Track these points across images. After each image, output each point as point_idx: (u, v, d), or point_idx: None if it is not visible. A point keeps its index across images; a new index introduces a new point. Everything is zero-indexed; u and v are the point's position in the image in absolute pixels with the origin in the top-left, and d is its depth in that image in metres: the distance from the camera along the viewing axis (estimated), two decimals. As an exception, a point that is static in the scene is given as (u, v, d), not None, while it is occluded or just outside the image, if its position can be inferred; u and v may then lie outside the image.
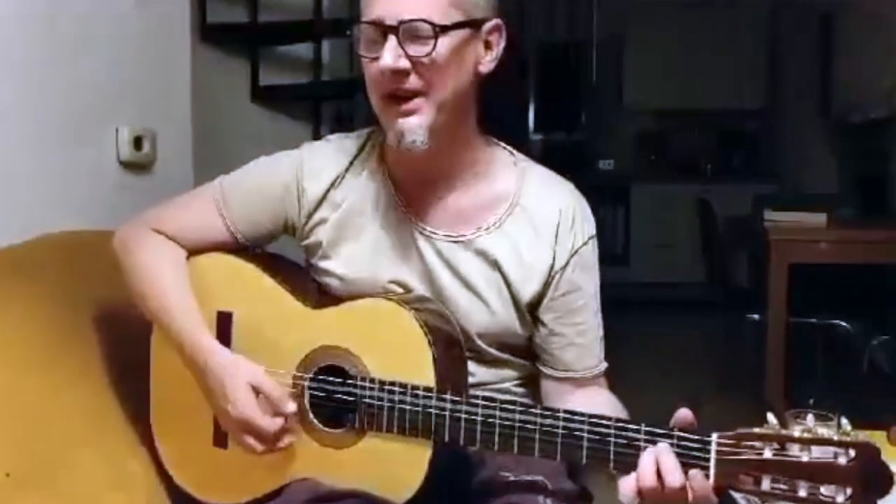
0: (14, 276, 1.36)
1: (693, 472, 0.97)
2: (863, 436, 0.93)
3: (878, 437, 1.55)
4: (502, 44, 1.19)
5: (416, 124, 1.13)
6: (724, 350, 4.70)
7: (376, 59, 1.11)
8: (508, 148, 1.30)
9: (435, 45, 1.10)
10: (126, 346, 1.37)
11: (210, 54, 3.00)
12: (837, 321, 3.36)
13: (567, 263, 1.23)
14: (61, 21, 1.66)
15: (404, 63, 1.10)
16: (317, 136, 3.28)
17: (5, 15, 1.51)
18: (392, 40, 1.10)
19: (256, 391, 1.18)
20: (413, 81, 1.12)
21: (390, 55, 1.10)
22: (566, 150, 4.91)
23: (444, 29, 1.10)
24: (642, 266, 6.22)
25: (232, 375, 1.19)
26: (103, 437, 1.32)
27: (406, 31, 1.10)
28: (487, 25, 1.17)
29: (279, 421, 1.17)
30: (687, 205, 4.74)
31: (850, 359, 3.47)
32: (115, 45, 1.83)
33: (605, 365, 1.29)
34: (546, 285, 1.23)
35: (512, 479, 1.19)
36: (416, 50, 1.10)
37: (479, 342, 1.24)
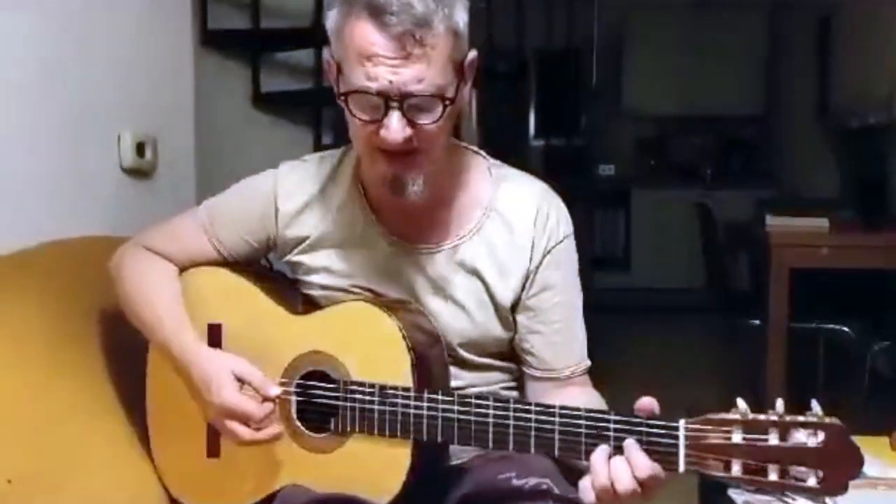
0: (17, 281, 1.36)
1: (628, 441, 0.98)
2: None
3: (880, 443, 1.55)
4: (474, 71, 1.17)
5: (413, 173, 1.13)
6: (724, 355, 4.69)
7: (371, 121, 1.09)
8: (481, 153, 1.30)
9: (442, 114, 1.09)
10: (130, 351, 1.38)
11: (211, 60, 3.00)
12: (839, 326, 3.36)
13: (541, 263, 1.24)
14: (64, 28, 1.66)
15: (408, 132, 1.08)
16: (318, 142, 3.29)
17: (8, 24, 1.51)
18: (397, 114, 1.06)
19: (240, 380, 1.20)
20: (413, 143, 1.10)
21: (398, 129, 1.07)
22: (566, 156, 4.91)
23: (452, 101, 1.09)
24: (642, 271, 6.23)
25: (215, 366, 1.22)
26: (106, 443, 1.33)
27: (411, 104, 1.07)
28: (467, 61, 1.14)
29: (266, 406, 1.18)
30: (687, 210, 4.74)
31: (851, 364, 3.47)
32: (116, 51, 1.83)
33: (587, 363, 1.30)
34: (522, 285, 1.24)
35: (515, 484, 1.20)
36: (421, 118, 1.08)
37: (461, 351, 1.26)
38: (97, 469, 1.29)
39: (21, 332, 1.30)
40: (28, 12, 1.56)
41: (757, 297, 3.52)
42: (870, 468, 1.45)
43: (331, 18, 1.11)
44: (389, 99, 1.06)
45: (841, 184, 5.04)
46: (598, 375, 1.34)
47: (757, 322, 3.45)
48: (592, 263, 4.57)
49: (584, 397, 1.25)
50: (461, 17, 1.10)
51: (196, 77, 2.15)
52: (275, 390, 1.19)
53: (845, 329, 3.35)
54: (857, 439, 1.53)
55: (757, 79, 6.35)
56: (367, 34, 1.05)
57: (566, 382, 1.28)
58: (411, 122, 1.08)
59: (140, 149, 1.89)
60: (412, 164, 1.12)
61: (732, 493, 1.37)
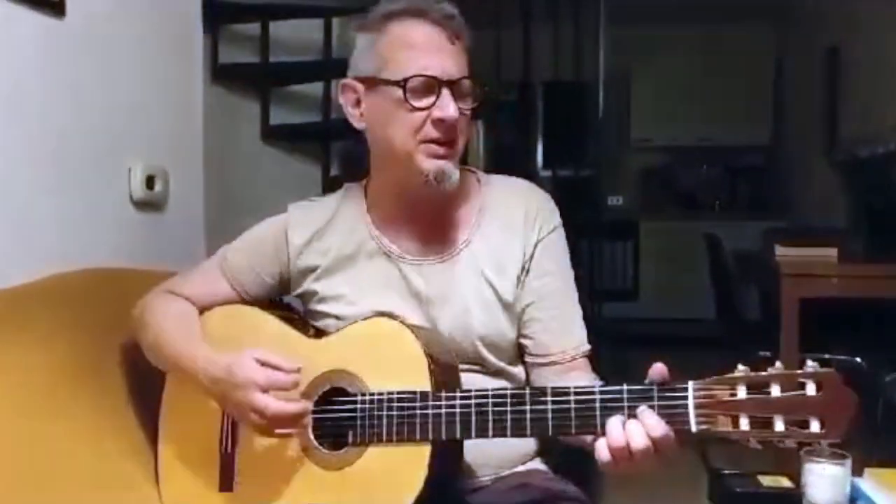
0: (27, 313, 1.37)
1: (641, 408, 1.04)
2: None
3: (892, 475, 1.52)
4: None
5: (452, 163, 1.26)
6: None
7: (425, 108, 1.23)
8: (470, 168, 1.43)
9: (477, 99, 1.26)
10: (139, 383, 1.38)
11: (221, 94, 3.04)
12: (850, 357, 3.33)
13: (534, 253, 1.34)
14: (75, 62, 1.68)
15: (458, 112, 1.24)
16: (326, 174, 3.32)
17: (20, 59, 1.54)
18: (448, 94, 1.23)
19: (262, 364, 1.21)
20: (457, 129, 1.25)
21: (453, 107, 1.23)
22: (574, 187, 4.92)
23: (483, 85, 1.27)
24: (651, 302, 6.21)
25: (234, 358, 1.22)
26: (112, 476, 1.31)
27: (457, 87, 1.24)
28: None
29: (291, 377, 1.20)
30: (696, 240, 4.74)
31: (864, 395, 3.43)
32: (127, 85, 1.85)
33: (587, 347, 1.36)
34: (518, 275, 1.33)
35: None
36: (462, 103, 1.25)
37: (485, 352, 1.32)
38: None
39: (29, 364, 1.30)
40: (39, 47, 1.58)
41: (767, 328, 3.50)
42: (884, 502, 1.43)
43: (362, 38, 1.28)
44: (442, 83, 1.22)
45: (850, 213, 5.03)
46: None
47: (767, 353, 3.42)
48: (600, 294, 4.55)
49: (584, 380, 1.29)
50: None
51: (206, 110, 2.17)
52: (295, 365, 1.21)
53: (857, 359, 3.32)
54: (871, 471, 1.52)
55: (765, 108, 6.37)
56: (413, 27, 1.24)
57: (568, 367, 1.34)
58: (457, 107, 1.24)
59: (150, 182, 1.90)
60: (453, 154, 1.27)
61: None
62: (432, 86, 1.22)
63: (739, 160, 6.62)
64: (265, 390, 1.18)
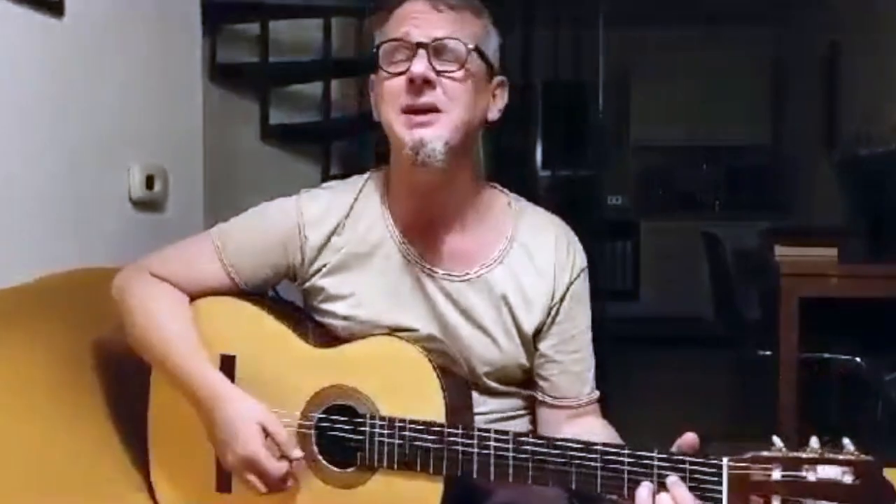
0: (25, 314, 1.36)
1: (672, 479, 1.01)
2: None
3: (894, 475, 1.52)
4: (505, 99, 1.28)
5: (434, 135, 1.16)
6: (734, 386, 4.66)
7: (400, 73, 1.17)
8: (500, 188, 1.36)
9: (465, 62, 1.17)
10: (136, 385, 1.37)
11: (221, 94, 3.04)
12: (850, 357, 3.33)
13: (564, 296, 1.29)
14: (74, 62, 1.68)
15: (432, 74, 1.16)
16: (326, 174, 3.31)
17: (18, 58, 1.54)
18: (422, 53, 1.16)
19: (265, 432, 1.19)
20: (436, 95, 1.17)
21: (422, 64, 1.15)
22: (574, 187, 4.92)
23: (473, 50, 1.19)
24: (651, 301, 6.21)
25: (242, 413, 1.20)
26: (105, 482, 1.30)
27: (436, 48, 1.17)
28: (497, 78, 1.25)
29: (284, 465, 1.19)
30: (695, 239, 4.75)
31: (864, 395, 3.43)
32: (126, 85, 1.85)
33: (597, 393, 1.33)
34: (546, 315, 1.28)
35: None
36: (444, 65, 1.17)
37: (486, 380, 1.27)
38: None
39: (25, 365, 1.29)
40: (38, 46, 1.58)
41: (767, 327, 3.50)
42: (884, 501, 1.43)
43: (378, 36, 1.23)
44: (417, 45, 1.16)
45: (850, 213, 5.03)
46: (607, 405, 1.35)
47: (767, 352, 3.42)
48: (601, 293, 4.56)
49: (601, 428, 1.28)
50: (485, 12, 1.24)
51: (205, 110, 2.17)
52: (296, 453, 1.19)
53: (857, 359, 3.32)
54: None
55: (764, 107, 6.38)
56: (405, 7, 1.20)
57: (580, 412, 1.31)
58: (436, 71, 1.16)
59: (149, 181, 1.90)
60: (433, 122, 1.17)
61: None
62: (410, 50, 1.17)
63: (739, 160, 6.62)
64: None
